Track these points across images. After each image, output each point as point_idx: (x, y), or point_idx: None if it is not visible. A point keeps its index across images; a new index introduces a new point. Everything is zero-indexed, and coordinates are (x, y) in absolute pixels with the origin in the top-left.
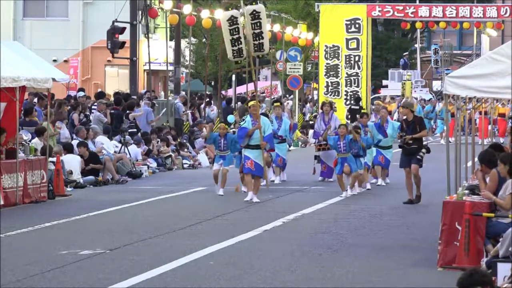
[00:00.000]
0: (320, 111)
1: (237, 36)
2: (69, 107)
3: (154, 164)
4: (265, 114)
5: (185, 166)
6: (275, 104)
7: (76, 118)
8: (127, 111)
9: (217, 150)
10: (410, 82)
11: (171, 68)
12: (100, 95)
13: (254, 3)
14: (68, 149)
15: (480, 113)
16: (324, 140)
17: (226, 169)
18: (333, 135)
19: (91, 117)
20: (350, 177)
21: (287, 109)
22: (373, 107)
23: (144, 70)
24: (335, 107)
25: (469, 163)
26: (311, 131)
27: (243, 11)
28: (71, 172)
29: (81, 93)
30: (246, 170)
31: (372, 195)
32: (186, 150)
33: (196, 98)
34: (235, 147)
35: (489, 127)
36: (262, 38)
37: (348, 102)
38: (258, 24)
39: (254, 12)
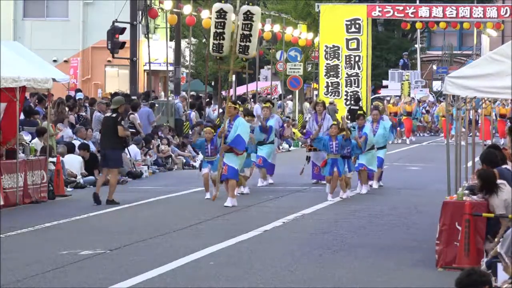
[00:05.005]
0: (313, 111)
1: (220, 30)
2: (67, 107)
3: (153, 166)
4: (250, 113)
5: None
6: (263, 105)
7: (72, 119)
8: (130, 112)
9: (205, 156)
10: (408, 82)
11: (171, 68)
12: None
13: (250, 4)
14: (69, 149)
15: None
16: (312, 140)
17: (215, 174)
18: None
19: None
20: (339, 180)
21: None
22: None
23: (144, 70)
24: (337, 109)
25: (469, 164)
26: None
27: (239, 9)
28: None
29: (80, 94)
30: (222, 177)
31: (372, 196)
32: (186, 150)
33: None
34: (251, 148)
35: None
36: (250, 41)
37: (348, 103)
38: (249, 25)
39: (248, 13)
